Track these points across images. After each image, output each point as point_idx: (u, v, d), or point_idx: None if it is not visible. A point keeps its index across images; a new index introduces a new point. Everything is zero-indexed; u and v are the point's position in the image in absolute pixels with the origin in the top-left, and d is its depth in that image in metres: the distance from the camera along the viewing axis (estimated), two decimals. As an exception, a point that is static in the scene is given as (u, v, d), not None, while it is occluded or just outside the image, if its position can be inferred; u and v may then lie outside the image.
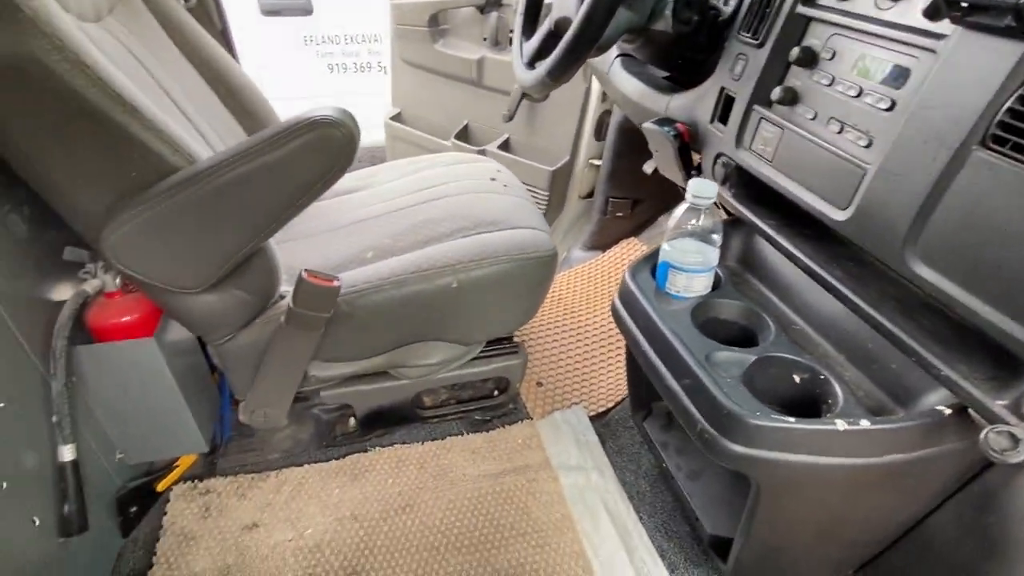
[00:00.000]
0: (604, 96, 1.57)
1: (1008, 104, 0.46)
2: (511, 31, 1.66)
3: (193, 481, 1.03)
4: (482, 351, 1.11)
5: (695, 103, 0.90)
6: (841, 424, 0.55)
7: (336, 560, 0.90)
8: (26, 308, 0.79)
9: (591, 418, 1.19)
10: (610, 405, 1.23)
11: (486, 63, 1.71)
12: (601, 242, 1.73)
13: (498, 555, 0.92)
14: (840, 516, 0.64)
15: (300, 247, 1.02)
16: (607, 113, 1.60)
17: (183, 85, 0.96)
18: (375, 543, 0.93)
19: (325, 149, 0.70)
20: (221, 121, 1.03)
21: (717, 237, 0.75)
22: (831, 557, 0.73)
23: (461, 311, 0.96)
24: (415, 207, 1.09)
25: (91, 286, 0.85)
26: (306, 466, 1.07)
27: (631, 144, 1.51)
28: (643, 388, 0.98)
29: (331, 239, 1.04)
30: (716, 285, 0.79)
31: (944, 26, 0.52)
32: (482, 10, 1.67)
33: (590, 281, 1.60)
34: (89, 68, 0.64)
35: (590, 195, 1.76)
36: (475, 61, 1.72)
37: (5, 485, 0.72)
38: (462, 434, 1.15)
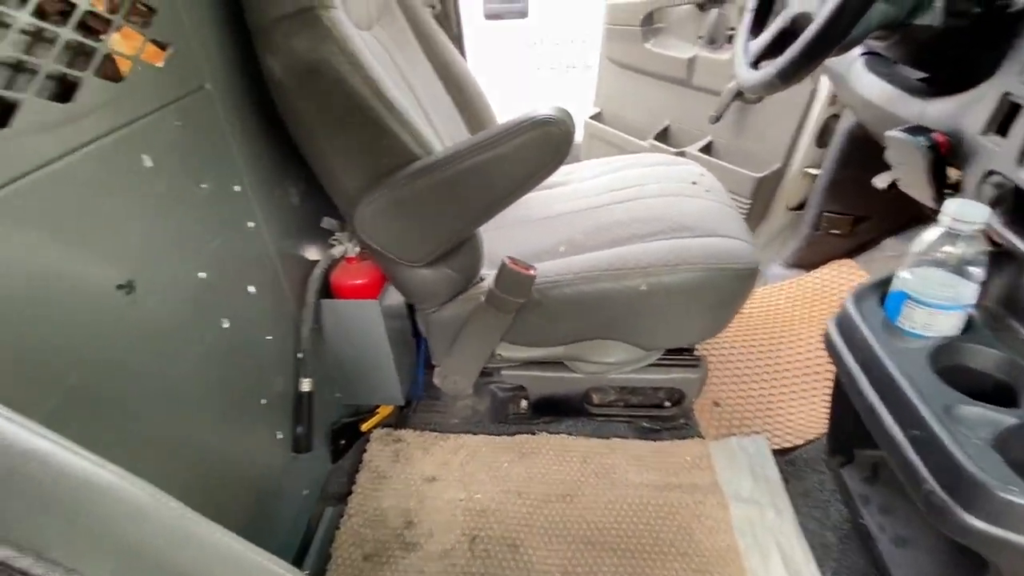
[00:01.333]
0: (834, 98, 1.40)
1: None
2: (730, 28, 1.57)
3: (389, 428, 1.19)
4: (659, 358, 1.08)
5: (962, 110, 0.76)
6: None
7: (499, 528, 0.97)
8: (291, 263, 0.98)
9: (773, 452, 1.09)
10: (799, 442, 1.11)
11: (698, 62, 1.65)
12: (808, 260, 1.56)
13: (654, 568, 0.90)
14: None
15: (501, 235, 1.10)
16: (834, 117, 1.43)
17: (423, 82, 1.09)
18: (535, 522, 0.98)
19: (545, 145, 0.75)
20: (449, 115, 1.16)
21: (977, 271, 0.63)
22: None
23: (646, 315, 0.95)
24: (610, 206, 1.10)
25: (337, 251, 1.03)
26: (481, 436, 1.16)
27: (861, 154, 1.33)
28: (848, 430, 0.87)
29: (528, 230, 1.10)
30: (967, 327, 0.66)
31: None
32: (702, 7, 1.60)
33: (790, 301, 1.45)
34: (363, 70, 0.77)
35: (800, 207, 1.59)
36: (686, 60, 1.66)
37: (264, 401, 0.91)
38: (627, 438, 1.14)
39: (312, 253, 1.05)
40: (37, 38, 0.53)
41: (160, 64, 0.67)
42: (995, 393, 0.60)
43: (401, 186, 0.81)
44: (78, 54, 0.57)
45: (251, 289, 0.86)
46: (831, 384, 0.88)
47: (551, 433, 1.15)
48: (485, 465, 1.09)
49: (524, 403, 1.21)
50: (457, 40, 1.35)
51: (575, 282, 0.92)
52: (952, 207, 0.61)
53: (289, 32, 0.75)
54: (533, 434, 1.16)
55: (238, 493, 0.84)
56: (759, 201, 1.59)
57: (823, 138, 1.46)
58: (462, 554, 0.94)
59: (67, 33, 0.54)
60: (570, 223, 1.08)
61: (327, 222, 1.03)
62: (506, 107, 1.26)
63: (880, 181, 1.04)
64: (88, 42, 0.57)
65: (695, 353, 1.10)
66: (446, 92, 1.18)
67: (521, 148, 0.75)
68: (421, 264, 0.90)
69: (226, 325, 0.79)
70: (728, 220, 1.01)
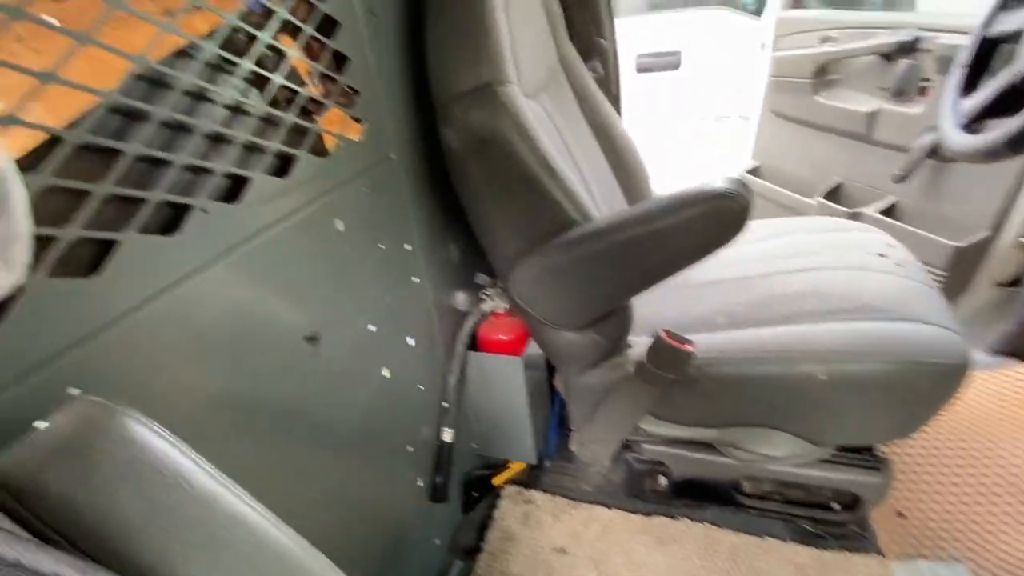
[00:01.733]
0: (1067, 158, 1.17)
1: None
2: (924, 79, 1.40)
3: (520, 487, 1.17)
4: (832, 454, 0.94)
5: None
6: None
7: (632, 623, 0.89)
8: (444, 316, 1.02)
9: (980, 587, 0.88)
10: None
11: (881, 115, 1.48)
12: (1023, 349, 1.29)
13: None
14: None
15: (652, 299, 1.04)
16: (1067, 181, 1.19)
17: (583, 145, 1.10)
18: (673, 624, 0.88)
19: (719, 219, 0.70)
20: (605, 178, 1.15)
21: None
22: None
23: (821, 407, 0.83)
24: (777, 276, 1.00)
25: (487, 306, 1.05)
26: (614, 510, 1.09)
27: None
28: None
29: (681, 297, 1.04)
30: None
31: None
32: (888, 57, 1.45)
33: (1001, 398, 1.20)
34: (532, 141, 0.79)
35: (1014, 283, 1.33)
36: (867, 113, 1.50)
37: (410, 449, 0.94)
38: (784, 540, 1.00)
39: (464, 306, 1.09)
40: (266, 122, 0.61)
41: (357, 138, 0.75)
42: None
43: (558, 252, 0.80)
44: (295, 133, 0.65)
45: (410, 340, 0.90)
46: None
47: (693, 520, 1.05)
48: (618, 545, 1.02)
49: (663, 480, 1.12)
50: (616, 101, 1.35)
51: (738, 361, 0.84)
52: None
53: (468, 106, 0.79)
54: (672, 517, 1.06)
55: (376, 536, 0.87)
56: (957, 274, 1.36)
57: (1051, 205, 1.22)
58: (590, 643, 0.87)
59: (291, 117, 0.63)
60: (728, 292, 1.00)
61: (480, 278, 1.06)
62: (656, 156, 1.23)
63: None
64: (306, 124, 0.65)
65: (877, 453, 0.95)
66: (603, 154, 1.17)
67: (693, 220, 0.70)
68: (568, 329, 0.88)
69: (386, 374, 0.84)
70: (928, 304, 0.86)
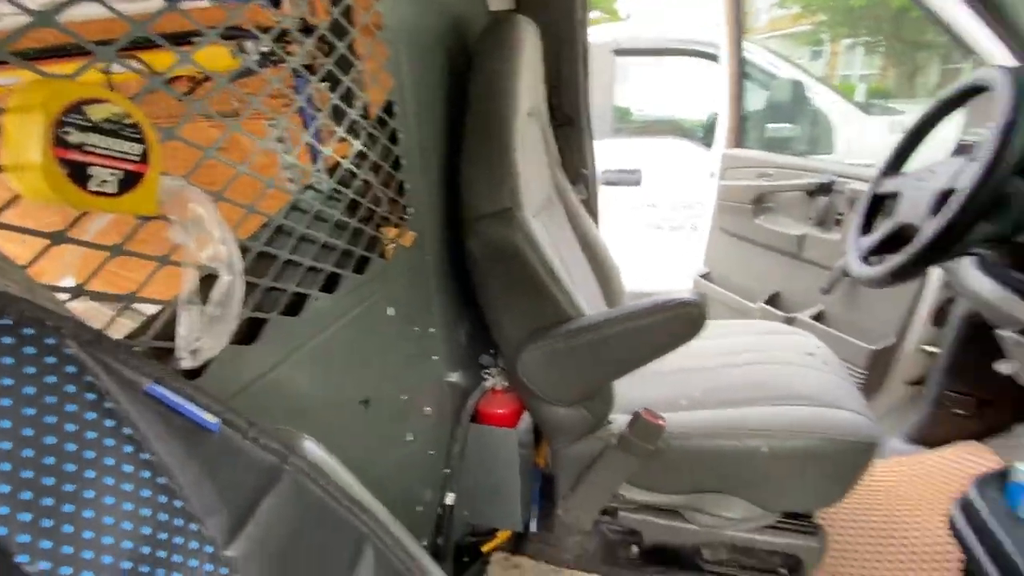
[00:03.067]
0: (948, 283, 1.48)
1: None
2: (838, 214, 1.74)
3: (506, 553, 1.28)
4: (778, 521, 1.12)
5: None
6: None
7: (612, 673, 1.00)
8: (453, 391, 1.18)
9: (902, 641, 1.04)
10: (930, 635, 1.06)
11: (808, 239, 1.81)
12: (930, 437, 1.53)
13: None
14: None
15: (628, 382, 1.24)
16: (950, 301, 1.50)
17: (571, 254, 1.34)
18: (648, 674, 1.00)
19: (682, 322, 0.92)
20: (587, 278, 1.38)
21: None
22: None
23: (765, 476, 1.02)
24: (727, 368, 1.22)
25: (489, 383, 1.23)
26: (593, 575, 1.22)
27: (981, 338, 1.37)
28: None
29: (652, 382, 1.24)
30: (1099, 529, 0.69)
31: None
32: (811, 194, 1.80)
33: (912, 480, 1.42)
34: (540, 252, 1.01)
35: (918, 382, 1.60)
36: (797, 236, 1.83)
37: (419, 509, 1.06)
38: (741, 601, 1.15)
39: (468, 382, 1.25)
40: (354, 233, 0.81)
41: (408, 245, 0.95)
42: None
43: (558, 340, 1.00)
44: (371, 240, 0.85)
45: (427, 410, 1.06)
46: (961, 572, 0.88)
47: (662, 583, 1.18)
48: (598, 605, 1.14)
49: (635, 549, 1.26)
50: (594, 216, 1.63)
51: (698, 436, 1.03)
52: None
53: (489, 224, 1.02)
54: (644, 581, 1.20)
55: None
56: (874, 373, 1.63)
57: (939, 318, 1.51)
58: None
59: (370, 230, 0.83)
60: (690, 379, 1.21)
61: (485, 359, 1.24)
62: (624, 259, 1.49)
63: (1003, 368, 1.09)
64: (377, 234, 0.86)
65: (815, 521, 1.13)
66: (586, 259, 1.42)
67: (665, 322, 0.93)
68: (562, 404, 1.06)
69: (410, 439, 0.99)
70: (846, 393, 1.09)
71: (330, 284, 0.75)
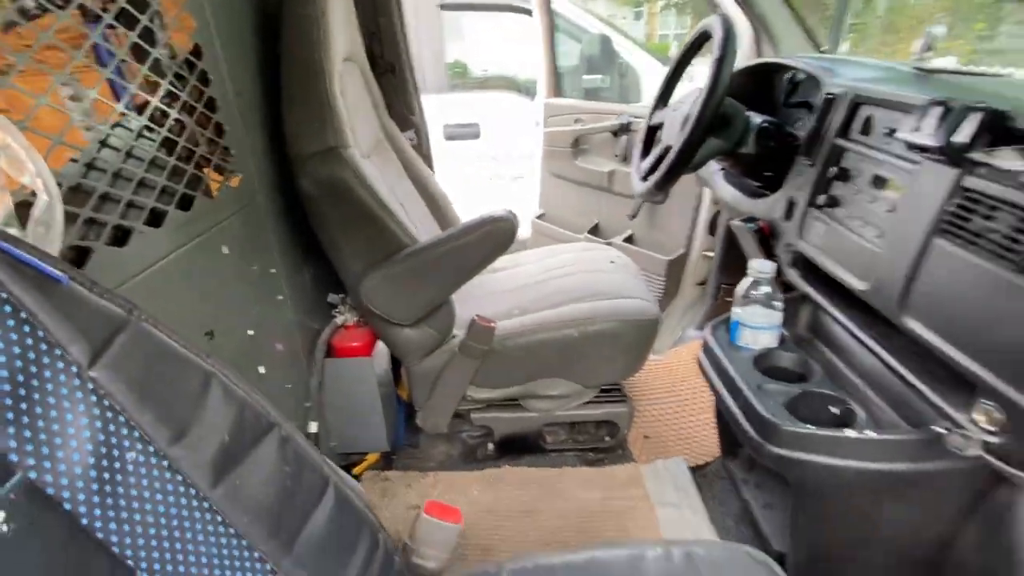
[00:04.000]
0: (715, 199, 1.85)
1: (951, 208, 0.68)
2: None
3: (377, 471, 1.40)
4: (596, 396, 1.38)
5: (772, 206, 1.16)
6: (851, 433, 0.74)
7: (475, 539, 1.19)
8: (305, 329, 1.25)
9: (690, 468, 1.37)
10: (708, 460, 1.39)
11: (616, 174, 2.10)
12: (713, 324, 1.93)
13: (598, 558, 1.13)
14: (869, 525, 0.79)
15: (469, 304, 1.41)
16: (718, 213, 1.87)
17: (405, 193, 1.45)
18: (504, 533, 1.20)
19: (498, 235, 1.09)
20: (424, 217, 1.50)
21: (779, 303, 0.98)
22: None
23: (579, 357, 1.26)
24: (549, 280, 1.44)
25: (339, 320, 1.31)
26: (454, 472, 1.39)
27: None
28: (730, 433, 1.17)
29: (490, 301, 1.41)
30: (782, 342, 1.00)
31: (919, 156, 0.76)
32: (615, 134, 2.09)
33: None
34: (370, 188, 1.11)
35: (703, 282, 1.99)
36: (607, 172, 2.12)
37: (283, 438, 1.13)
38: (576, 466, 1.40)
39: (319, 322, 1.32)
40: (173, 172, 0.84)
41: (235, 185, 0.99)
42: (792, 378, 0.93)
43: (395, 265, 1.12)
44: (194, 180, 0.88)
45: (279, 346, 1.12)
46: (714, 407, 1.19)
47: (513, 466, 1.40)
48: (460, 494, 1.31)
49: (490, 446, 1.46)
50: (428, 160, 1.74)
51: (524, 335, 1.23)
52: (754, 264, 0.97)
53: (318, 163, 1.08)
54: (499, 467, 1.40)
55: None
56: (671, 280, 1.99)
57: (712, 227, 1.89)
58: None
59: (191, 169, 0.86)
60: (519, 294, 1.41)
61: (332, 297, 1.32)
62: (470, 208, 1.64)
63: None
64: (200, 174, 0.89)
65: (623, 392, 1.41)
66: (422, 201, 1.54)
67: (481, 238, 1.09)
68: (408, 324, 1.19)
69: (262, 371, 1.05)
70: (635, 286, 1.36)
71: (157, 220, 0.79)
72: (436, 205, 1.57)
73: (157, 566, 0.39)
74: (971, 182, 0.66)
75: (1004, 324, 0.61)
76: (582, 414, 1.38)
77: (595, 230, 2.26)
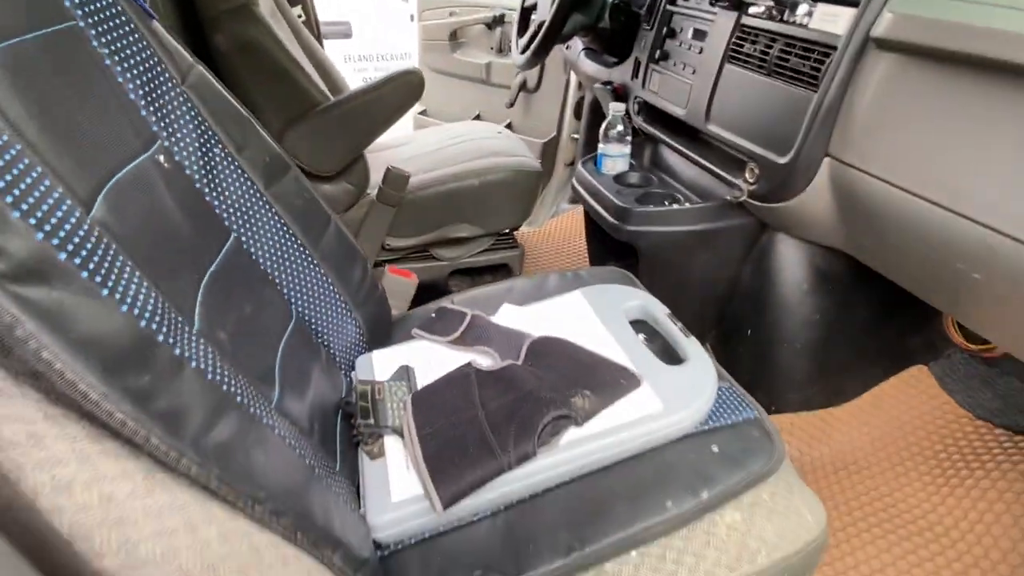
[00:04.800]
0: (580, 85, 2.14)
1: (734, 41, 1.01)
2: (511, 40, 2.25)
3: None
4: (492, 245, 1.65)
5: (624, 69, 1.47)
6: (674, 206, 1.09)
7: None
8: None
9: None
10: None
11: (493, 66, 2.30)
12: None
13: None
14: (686, 273, 1.17)
15: (379, 167, 1.57)
16: (583, 98, 2.17)
17: (299, 56, 1.53)
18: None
19: (409, 86, 1.27)
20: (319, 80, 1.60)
21: (628, 138, 1.30)
22: (699, 314, 1.25)
23: (480, 203, 1.51)
24: (448, 147, 1.65)
25: (257, 182, 1.41)
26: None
27: (601, 119, 2.08)
28: (595, 246, 1.52)
29: (398, 163, 1.59)
30: (632, 168, 1.34)
31: (717, 8, 1.08)
32: (489, 26, 2.27)
33: (574, 222, 2.14)
34: (280, 42, 1.21)
35: (572, 163, 2.32)
36: (484, 64, 2.30)
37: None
38: (480, 305, 1.68)
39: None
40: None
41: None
42: (638, 186, 1.27)
43: (315, 119, 1.25)
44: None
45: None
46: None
47: (427, 308, 1.64)
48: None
49: (404, 297, 1.68)
50: (318, 38, 1.80)
51: (435, 185, 1.45)
52: (611, 107, 1.27)
53: (230, 20, 1.16)
54: (415, 311, 1.64)
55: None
56: (546, 161, 2.29)
57: (577, 112, 2.19)
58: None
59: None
60: (424, 158, 1.60)
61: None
62: None
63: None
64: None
65: (515, 240, 1.70)
66: (312, 66, 1.62)
67: (393, 89, 1.26)
68: (330, 177, 1.34)
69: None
70: (520, 148, 1.62)
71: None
72: (325, 70, 1.67)
73: (243, 237, 0.58)
74: (745, 20, 1.00)
75: (762, 110, 0.96)
76: (481, 260, 1.65)
77: (477, 121, 2.46)
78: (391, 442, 0.63)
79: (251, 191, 0.59)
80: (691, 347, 0.70)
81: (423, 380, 0.71)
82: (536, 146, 2.24)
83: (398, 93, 1.28)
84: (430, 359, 0.76)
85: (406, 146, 1.73)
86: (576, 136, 2.24)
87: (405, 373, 0.73)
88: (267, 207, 0.61)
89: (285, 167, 0.69)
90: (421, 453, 0.55)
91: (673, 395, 0.63)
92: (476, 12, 2.29)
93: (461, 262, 1.63)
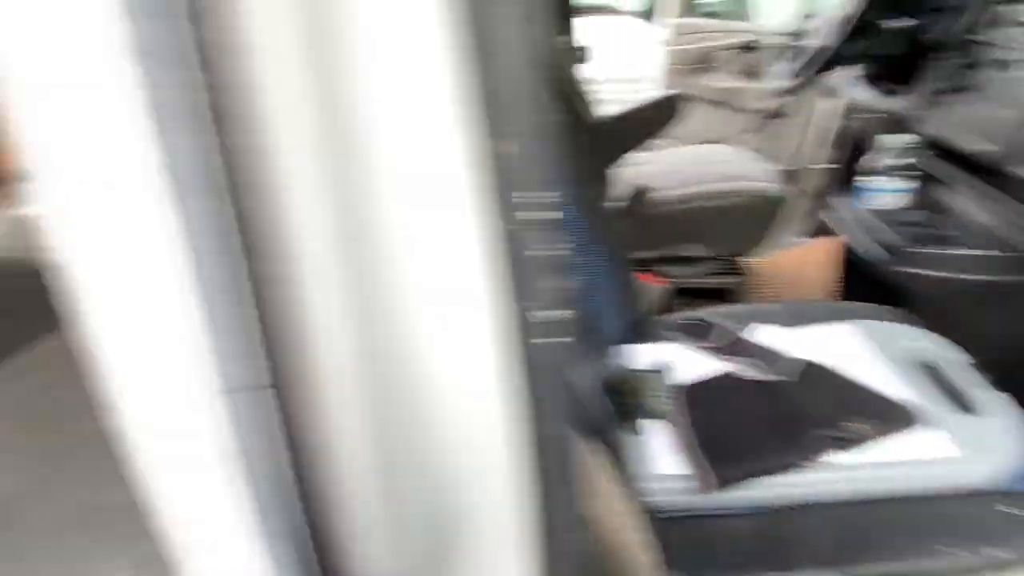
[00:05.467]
0: (834, 113, 2.00)
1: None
2: (762, 66, 2.21)
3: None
4: (718, 268, 1.65)
5: (908, 99, 1.35)
6: (962, 250, 0.99)
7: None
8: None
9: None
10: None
11: (739, 91, 2.29)
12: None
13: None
14: (973, 330, 1.04)
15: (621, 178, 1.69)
16: (835, 127, 2.03)
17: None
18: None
19: (670, 111, 1.35)
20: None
21: (905, 173, 1.20)
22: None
23: (717, 225, 1.52)
24: (694, 166, 1.69)
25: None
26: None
27: (861, 150, 1.93)
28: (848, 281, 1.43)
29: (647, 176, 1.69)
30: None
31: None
32: (745, 50, 2.26)
33: (809, 256, 2.02)
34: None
35: (817, 193, 2.18)
36: (730, 89, 2.30)
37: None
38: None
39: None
40: None
41: None
42: (911, 224, 1.17)
43: (581, 135, 1.41)
44: None
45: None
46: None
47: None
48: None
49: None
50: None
51: (675, 202, 1.51)
52: (886, 139, 1.19)
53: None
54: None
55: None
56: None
57: (831, 141, 2.05)
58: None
59: None
60: (669, 176, 1.67)
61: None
62: None
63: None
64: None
65: (739, 267, 1.67)
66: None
67: (657, 112, 1.35)
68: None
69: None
70: (764, 174, 1.60)
71: None
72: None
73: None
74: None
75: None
76: (707, 281, 1.66)
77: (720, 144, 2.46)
78: (647, 424, 0.71)
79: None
80: (994, 399, 0.65)
81: (680, 378, 0.77)
82: (776, 173, 2.15)
83: (660, 117, 1.37)
84: (685, 360, 0.82)
85: (649, 164, 1.81)
86: (821, 166, 2.10)
87: (661, 367, 0.81)
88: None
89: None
90: (697, 438, 0.62)
91: (965, 444, 0.60)
92: (728, 37, 2.29)
93: (687, 282, 1.66)
